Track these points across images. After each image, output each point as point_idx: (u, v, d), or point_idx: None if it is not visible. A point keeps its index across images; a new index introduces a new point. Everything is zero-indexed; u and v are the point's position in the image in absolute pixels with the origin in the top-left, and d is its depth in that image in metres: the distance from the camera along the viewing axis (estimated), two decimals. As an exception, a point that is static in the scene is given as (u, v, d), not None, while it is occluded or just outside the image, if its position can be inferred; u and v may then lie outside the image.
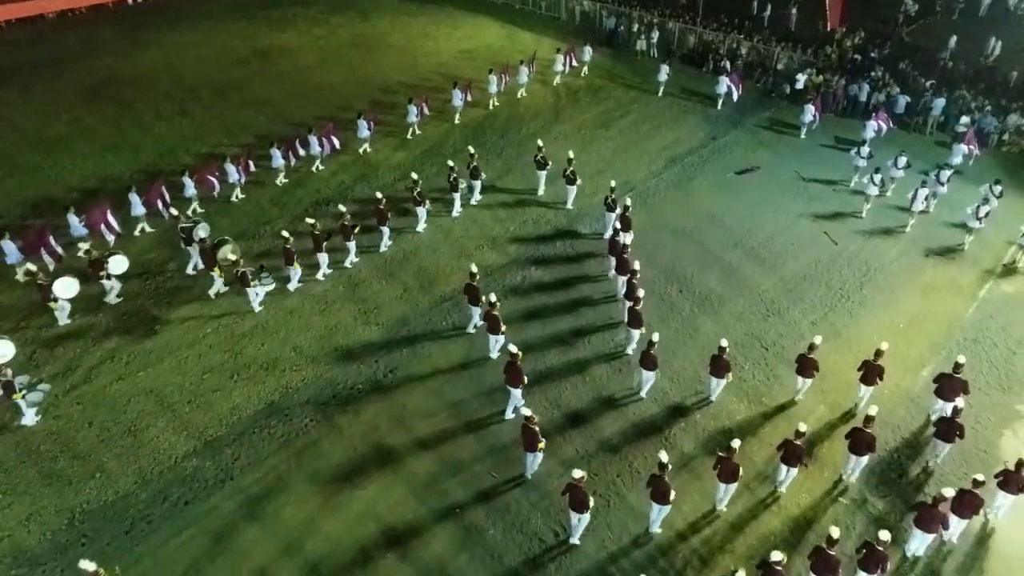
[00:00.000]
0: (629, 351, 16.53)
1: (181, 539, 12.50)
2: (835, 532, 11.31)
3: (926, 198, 21.35)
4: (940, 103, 27.12)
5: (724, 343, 14.92)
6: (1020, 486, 12.66)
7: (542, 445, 13.29)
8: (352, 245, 18.88)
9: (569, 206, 21.78)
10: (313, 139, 23.20)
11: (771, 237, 20.72)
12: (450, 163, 21.37)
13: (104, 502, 13.10)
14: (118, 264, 17.61)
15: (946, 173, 22.32)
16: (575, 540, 12.63)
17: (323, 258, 18.46)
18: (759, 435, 14.79)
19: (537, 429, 13.21)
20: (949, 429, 13.75)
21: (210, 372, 15.84)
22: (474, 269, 16.77)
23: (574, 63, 30.62)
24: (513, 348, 14.53)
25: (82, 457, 13.89)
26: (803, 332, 17.19)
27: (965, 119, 25.87)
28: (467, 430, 14.70)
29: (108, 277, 17.43)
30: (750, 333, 17.22)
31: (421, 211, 20.35)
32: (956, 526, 12.66)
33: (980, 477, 12.43)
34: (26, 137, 24.87)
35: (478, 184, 21.77)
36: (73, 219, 18.93)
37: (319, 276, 18.57)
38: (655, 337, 14.99)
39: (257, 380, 15.70)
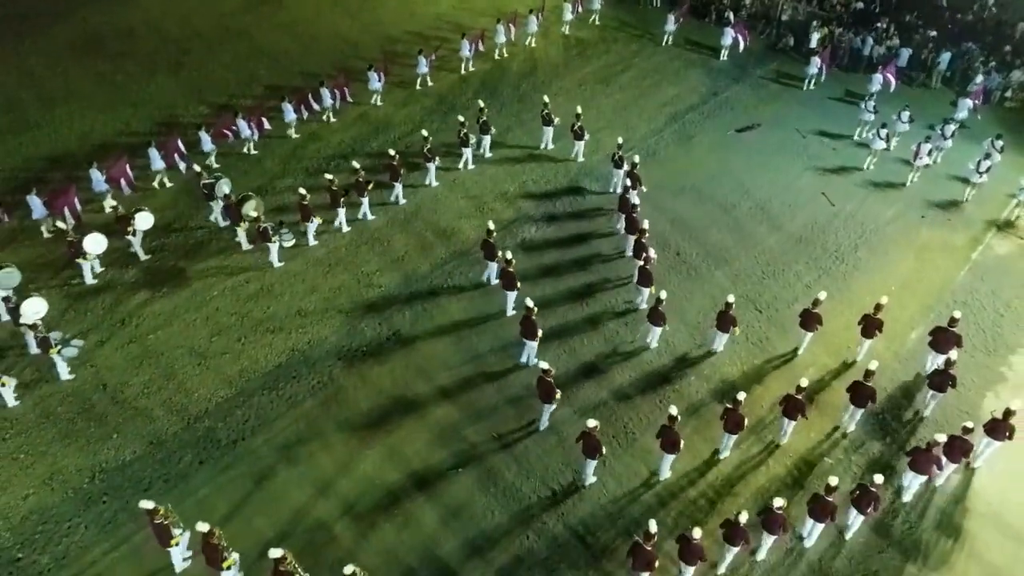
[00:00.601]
0: (638, 307, 17.01)
1: (197, 497, 13.14)
2: (833, 481, 12.05)
3: (930, 152, 21.52)
4: (946, 57, 26.87)
5: (731, 299, 15.47)
6: (1006, 433, 13.43)
7: (558, 396, 13.91)
8: (366, 201, 19.16)
9: (580, 159, 21.96)
10: (325, 92, 23.16)
11: (769, 198, 20.89)
12: (460, 118, 21.40)
13: (122, 462, 13.70)
14: (144, 220, 17.87)
15: (951, 127, 22.42)
16: (589, 482, 13.47)
17: (341, 213, 18.80)
18: (761, 388, 15.48)
19: (553, 382, 13.82)
20: (942, 380, 14.50)
21: (218, 335, 16.27)
22: (491, 226, 17.23)
23: (579, 9, 30.13)
24: (529, 302, 15.12)
25: (98, 419, 14.42)
26: (797, 295, 17.59)
27: (980, 79, 25.63)
28: (486, 380, 15.38)
29: (134, 234, 17.74)
30: (745, 295, 17.58)
31: (431, 167, 20.51)
32: (946, 469, 13.49)
33: (970, 424, 13.20)
34: (23, 93, 24.68)
35: (487, 139, 21.86)
36: (96, 174, 19.13)
37: (338, 231, 18.92)
38: (663, 295, 15.57)
39: (264, 343, 16.14)
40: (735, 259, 18.68)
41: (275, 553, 10.95)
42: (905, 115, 22.87)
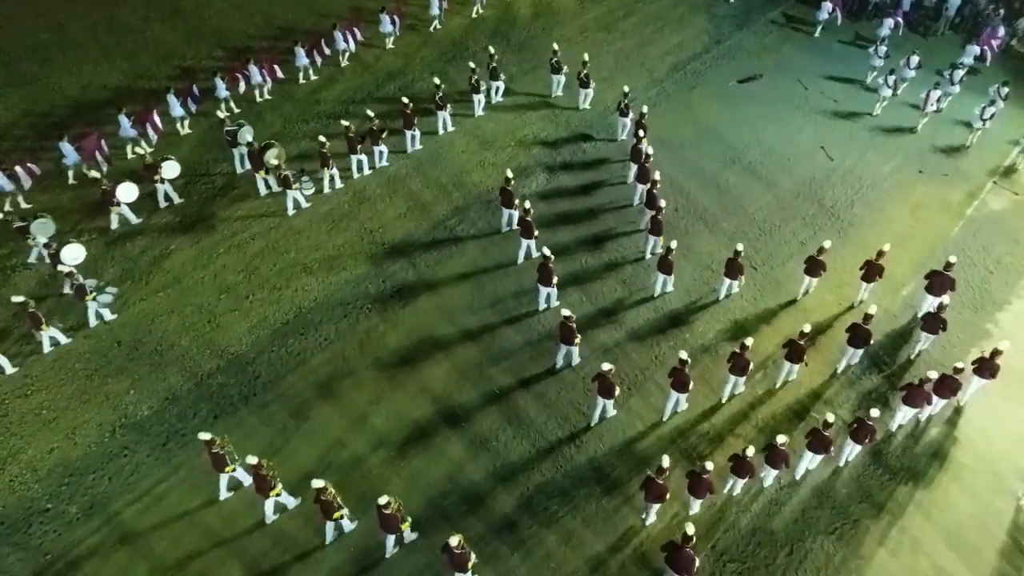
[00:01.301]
0: (648, 256, 17.61)
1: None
2: (831, 417, 12.96)
3: (939, 98, 21.66)
4: (955, 3, 26.44)
5: (740, 247, 16.07)
6: (992, 372, 14.37)
7: (578, 340, 14.79)
8: (383, 148, 19.57)
9: (585, 106, 22.19)
10: (338, 35, 23.11)
11: (769, 151, 20.95)
12: (472, 64, 21.55)
13: (140, 417, 14.36)
14: (171, 169, 18.31)
15: (959, 73, 22.51)
16: (605, 419, 14.47)
17: (355, 160, 19.27)
18: (769, 329, 16.37)
19: (574, 326, 14.60)
20: (934, 322, 15.30)
21: (226, 292, 16.72)
22: (509, 174, 17.69)
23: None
24: (546, 250, 15.78)
25: (114, 375, 15.02)
26: (792, 252, 17.94)
27: (1001, 31, 25.45)
28: (506, 323, 16.25)
29: (162, 181, 18.25)
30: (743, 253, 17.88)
31: (443, 115, 20.70)
32: (936, 404, 14.48)
33: (960, 364, 14.04)
34: (19, 43, 24.43)
35: (500, 85, 22.08)
36: (124, 120, 19.48)
37: (355, 176, 19.45)
38: (673, 244, 16.16)
39: (272, 300, 16.60)
40: (731, 216, 18.93)
41: (317, 483, 11.86)
42: (914, 60, 22.93)
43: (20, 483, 13.28)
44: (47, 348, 15.28)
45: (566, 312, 14.66)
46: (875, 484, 13.80)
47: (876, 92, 22.46)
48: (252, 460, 12.12)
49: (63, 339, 15.42)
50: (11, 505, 12.97)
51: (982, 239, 18.47)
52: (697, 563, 11.55)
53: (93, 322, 15.81)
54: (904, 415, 14.41)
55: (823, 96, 23.25)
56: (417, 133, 20.24)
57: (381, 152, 19.62)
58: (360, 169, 19.45)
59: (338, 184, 19.16)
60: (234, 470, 12.87)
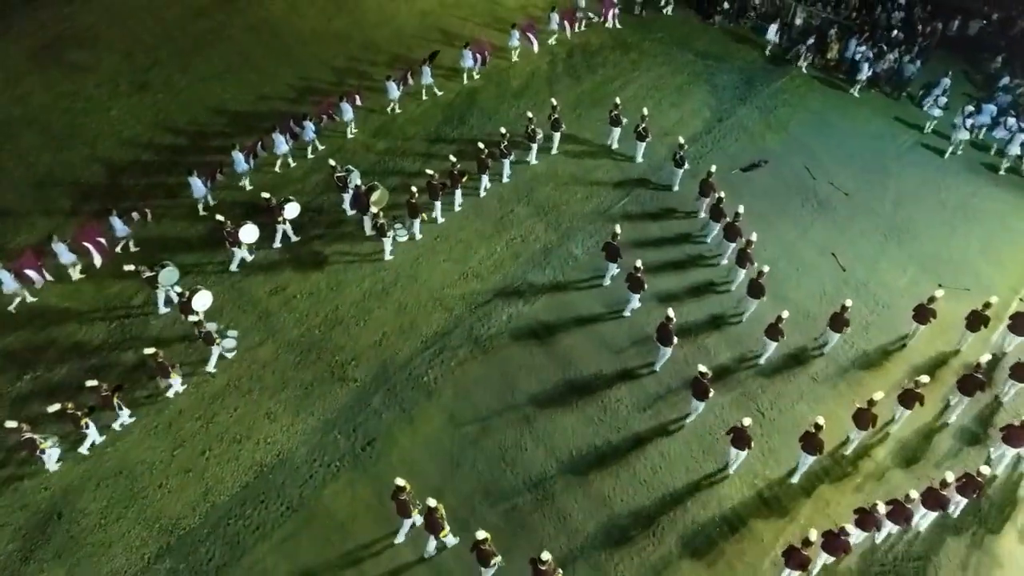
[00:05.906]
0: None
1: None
2: (949, 477, 13.59)
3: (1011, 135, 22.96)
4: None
5: (848, 303, 16.59)
6: None
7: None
8: (459, 193, 20.37)
9: (639, 160, 22.20)
10: (426, 69, 23.78)
11: (774, 259, 19.14)
12: (529, 114, 21.78)
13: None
14: (292, 210, 18.93)
15: (1011, 120, 23.48)
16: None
17: (438, 204, 19.84)
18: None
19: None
20: (1022, 370, 16.00)
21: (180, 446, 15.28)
22: (618, 229, 18.07)
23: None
24: (671, 312, 16.20)
25: (51, 559, 13.55)
26: (803, 392, 16.48)
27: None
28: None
29: (284, 222, 18.87)
30: (744, 393, 16.45)
31: (506, 163, 21.18)
32: None
33: None
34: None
35: (557, 135, 22.39)
36: (238, 156, 20.23)
37: (438, 220, 20.08)
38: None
39: (288, 411, 15.18)
40: (735, 346, 17.39)
41: (480, 535, 12.61)
42: (968, 109, 23.53)
43: None
44: (171, 394, 15.87)
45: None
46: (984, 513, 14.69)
47: (947, 137, 23.32)
48: (431, 503, 13.12)
49: (180, 388, 16.00)
50: None
51: (1008, 367, 16.88)
52: None
53: (212, 367, 16.31)
54: (1005, 453, 14.99)
55: (832, 188, 21.72)
56: (488, 178, 20.99)
57: (457, 196, 20.34)
58: (441, 211, 20.15)
59: (418, 235, 19.73)
60: (413, 515, 13.60)
